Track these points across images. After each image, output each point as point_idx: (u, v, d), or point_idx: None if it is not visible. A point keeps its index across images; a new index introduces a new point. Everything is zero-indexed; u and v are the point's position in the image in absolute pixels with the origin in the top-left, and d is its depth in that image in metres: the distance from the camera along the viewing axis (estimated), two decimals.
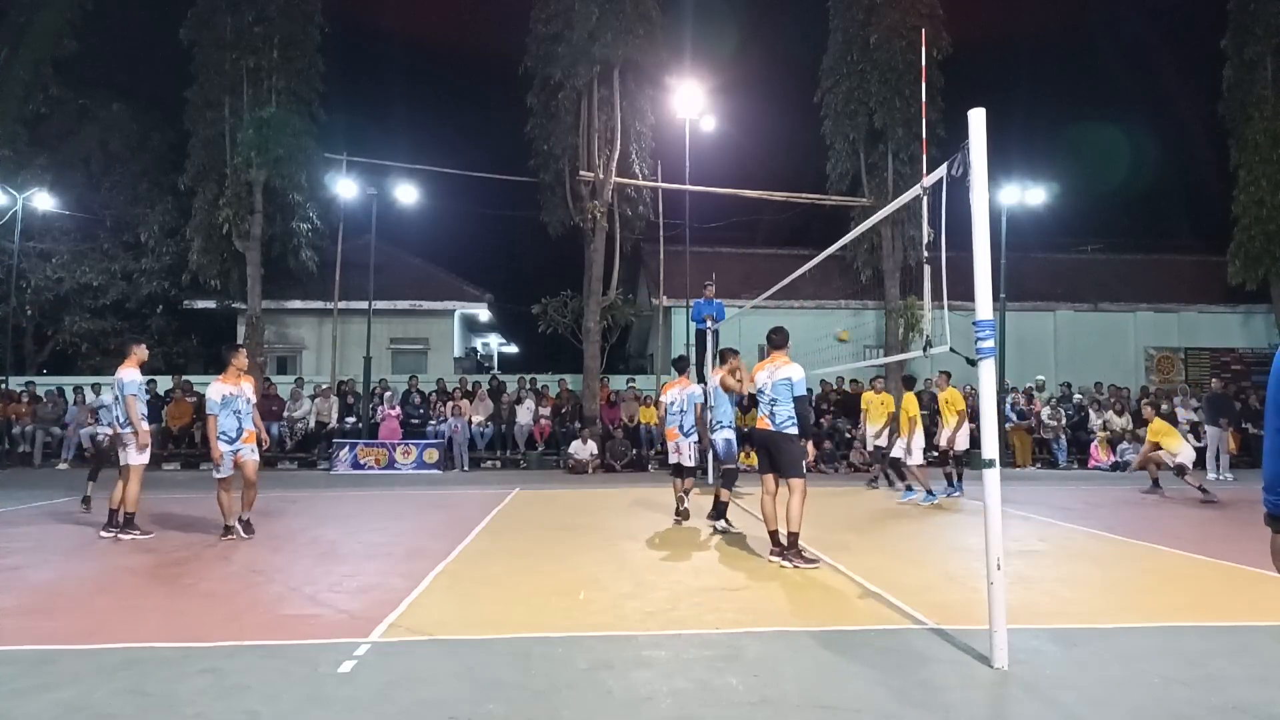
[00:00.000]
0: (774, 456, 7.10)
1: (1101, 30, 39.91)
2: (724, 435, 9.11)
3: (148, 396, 8.43)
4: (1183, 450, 11.60)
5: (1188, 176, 29.33)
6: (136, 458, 8.25)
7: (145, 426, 8.32)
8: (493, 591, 5.82)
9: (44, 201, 21.20)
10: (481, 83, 46.45)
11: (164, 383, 19.22)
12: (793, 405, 6.95)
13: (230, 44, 18.62)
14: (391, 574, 6.36)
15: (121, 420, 8.30)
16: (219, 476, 8.08)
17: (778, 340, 7.35)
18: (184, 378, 19.63)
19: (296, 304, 22.61)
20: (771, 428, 7.02)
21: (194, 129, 19.53)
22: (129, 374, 8.26)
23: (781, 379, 7.02)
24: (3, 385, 18.93)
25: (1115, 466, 17.31)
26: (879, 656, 4.33)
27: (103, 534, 8.10)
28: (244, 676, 3.94)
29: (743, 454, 12.03)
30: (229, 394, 8.14)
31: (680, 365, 10.33)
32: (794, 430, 6.99)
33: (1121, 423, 18.41)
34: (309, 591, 5.75)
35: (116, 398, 8.28)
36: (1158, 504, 11.25)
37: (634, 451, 17.33)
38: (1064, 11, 40.17)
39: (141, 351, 8.54)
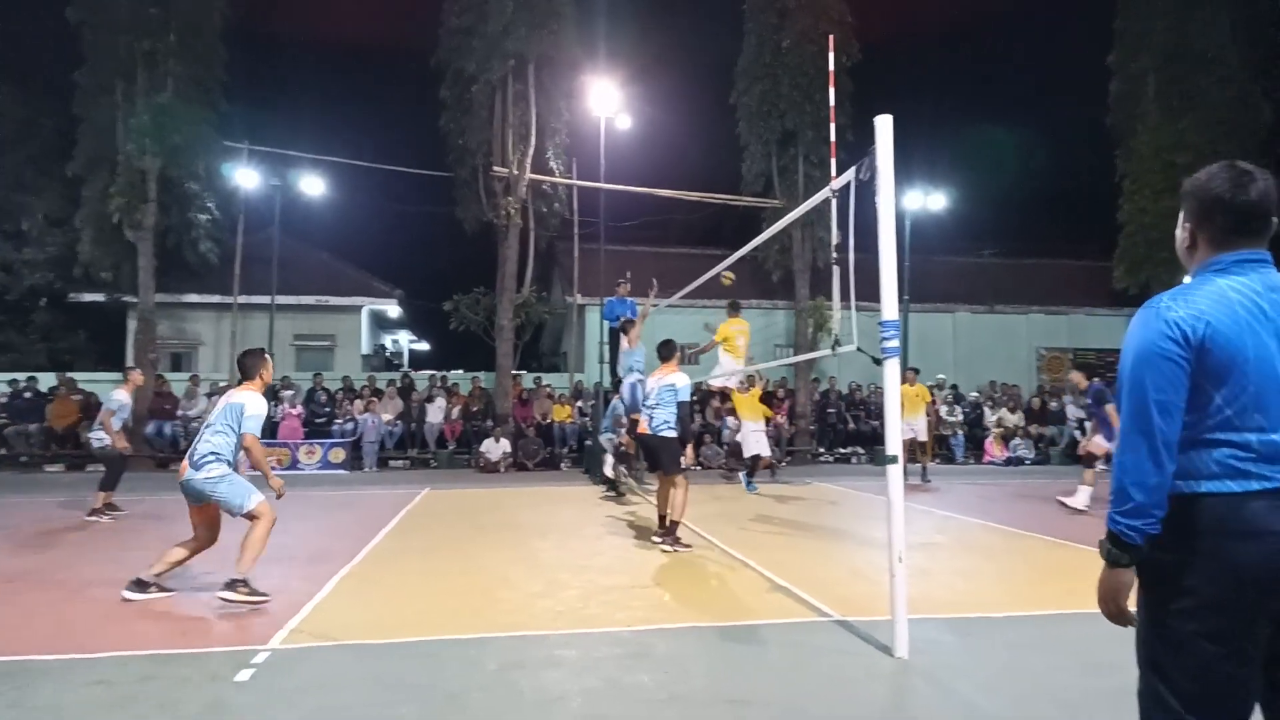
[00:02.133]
0: (654, 456, 7.88)
1: (1000, 43, 41.73)
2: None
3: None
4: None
5: (1078, 184, 30.87)
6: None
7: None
8: (401, 593, 5.71)
9: None
10: (393, 74, 45.25)
11: (47, 380, 18.13)
12: (674, 409, 7.53)
13: (124, 26, 17.63)
14: (293, 577, 6.16)
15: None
16: (256, 507, 5.65)
17: (666, 353, 7.93)
18: (69, 375, 18.56)
19: (193, 298, 21.62)
20: (649, 431, 7.69)
21: (84, 114, 18.45)
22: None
23: (666, 385, 7.59)
24: None
25: (1009, 461, 18.14)
26: (786, 650, 4.43)
27: None
28: (136, 687, 3.76)
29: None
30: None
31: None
32: (671, 433, 7.58)
33: (1014, 420, 19.29)
34: (204, 598, 5.52)
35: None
36: (1047, 499, 11.83)
37: (547, 450, 17.24)
38: (966, 23, 41.81)
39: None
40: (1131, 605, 1.98)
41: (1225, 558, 1.80)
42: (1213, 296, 1.87)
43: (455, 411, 17.96)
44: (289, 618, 4.93)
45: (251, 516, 5.53)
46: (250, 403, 5.62)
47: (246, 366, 5.96)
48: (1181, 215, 2.06)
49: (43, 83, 22.64)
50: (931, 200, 20.96)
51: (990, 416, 19.42)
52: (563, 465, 16.99)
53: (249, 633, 4.65)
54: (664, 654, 4.31)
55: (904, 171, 19.25)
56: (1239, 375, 1.83)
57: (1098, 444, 10.31)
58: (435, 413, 17.75)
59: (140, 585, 5.48)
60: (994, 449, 18.55)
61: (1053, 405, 20.19)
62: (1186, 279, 2.03)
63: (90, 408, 17.37)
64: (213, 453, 5.48)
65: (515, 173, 18.91)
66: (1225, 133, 21.08)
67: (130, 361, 18.74)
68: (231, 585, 5.28)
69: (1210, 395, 1.85)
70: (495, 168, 18.96)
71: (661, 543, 7.48)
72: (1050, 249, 27.90)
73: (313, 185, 20.39)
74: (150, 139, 17.57)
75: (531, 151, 19.08)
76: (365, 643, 4.49)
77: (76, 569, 6.49)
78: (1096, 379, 11.17)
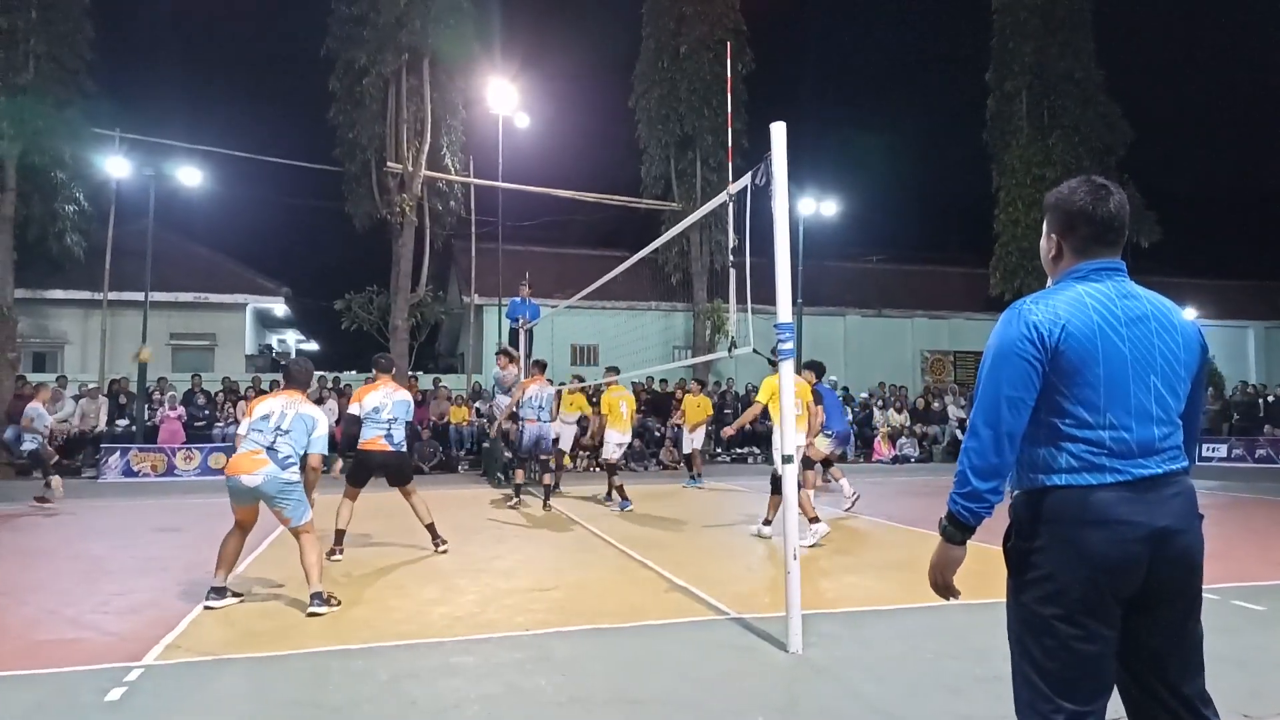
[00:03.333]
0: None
1: (890, 58, 43.43)
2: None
3: None
4: None
5: (959, 195, 32.52)
6: None
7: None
8: (285, 605, 5.46)
9: None
10: (280, 61, 43.65)
11: None
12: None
13: None
14: (169, 591, 5.81)
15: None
16: (308, 523, 5.46)
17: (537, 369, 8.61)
18: None
19: (58, 294, 20.23)
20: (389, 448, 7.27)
21: None
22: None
23: (400, 401, 7.27)
24: None
25: (896, 460, 18.85)
26: (684, 648, 4.45)
27: None
28: None
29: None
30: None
31: (540, 365, 11.39)
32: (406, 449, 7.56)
33: (900, 419, 20.06)
34: (70, 614, 5.14)
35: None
36: (931, 495, 12.34)
37: (442, 452, 16.89)
38: (857, 39, 43.32)
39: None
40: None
41: (1078, 545, 1.90)
42: (1070, 301, 1.99)
43: (351, 412, 17.36)
44: (165, 633, 4.64)
45: (300, 533, 5.33)
46: (322, 422, 5.56)
47: (303, 377, 5.85)
48: (1045, 226, 2.18)
49: None
50: (824, 207, 21.61)
51: (879, 416, 20.14)
52: (460, 468, 16.67)
53: (122, 649, 4.35)
54: (564, 657, 4.26)
55: (798, 178, 19.80)
56: (1091, 376, 1.94)
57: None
58: (326, 415, 17.12)
59: (219, 592, 5.32)
60: (882, 448, 19.24)
61: (935, 405, 21.11)
62: (1050, 284, 2.16)
63: None
64: (293, 455, 5.34)
65: (410, 169, 18.48)
66: (1089, 149, 22.56)
67: None
68: (322, 600, 5.16)
69: (1065, 394, 1.96)
70: (389, 163, 18.48)
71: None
72: (933, 256, 29.25)
73: (191, 176, 19.32)
74: (9, 123, 16.31)
75: (427, 148, 18.69)
76: (247, 656, 4.28)
77: None
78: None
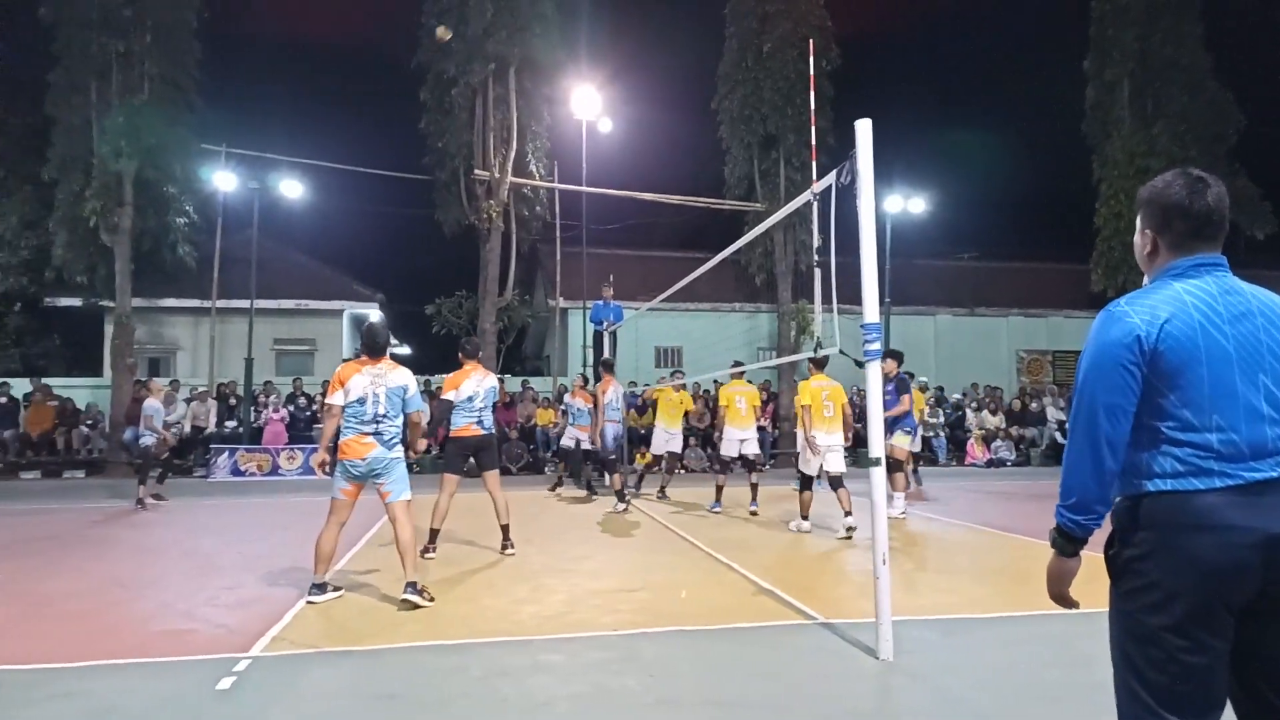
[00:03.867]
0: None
1: (980, 49, 42.13)
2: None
3: None
4: None
5: (1056, 189, 31.18)
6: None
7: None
8: (383, 600, 5.64)
9: None
10: (373, 75, 45.15)
11: (21, 386, 17.86)
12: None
13: (97, 25, 17.41)
14: (274, 585, 6.08)
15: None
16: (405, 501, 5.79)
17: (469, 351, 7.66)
18: (44, 380, 18.29)
19: (171, 302, 21.39)
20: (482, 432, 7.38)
21: (57, 115, 18.18)
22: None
23: (490, 387, 7.42)
24: None
25: (991, 463, 18.26)
26: (772, 652, 4.41)
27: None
28: (111, 698, 3.68)
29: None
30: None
31: (608, 366, 11.90)
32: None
33: (995, 421, 19.42)
34: (183, 606, 5.43)
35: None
36: (1029, 499, 11.91)
37: (530, 454, 17.17)
38: (945, 30, 42.17)
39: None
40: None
41: (1186, 552, 1.83)
42: (1169, 300, 1.93)
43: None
44: (271, 625, 4.86)
45: (396, 510, 5.63)
46: (411, 383, 5.82)
47: (382, 342, 5.90)
48: (1140, 221, 2.12)
49: (13, 82, 22.30)
50: (912, 204, 21.09)
51: (972, 418, 19.55)
52: (546, 469, 16.91)
53: (231, 641, 4.57)
54: (651, 658, 4.28)
55: (884, 175, 19.43)
56: (1194, 376, 1.87)
57: None
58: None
59: (320, 588, 5.57)
60: (976, 451, 18.67)
61: (1033, 406, 20.36)
62: (1146, 282, 2.10)
63: (66, 414, 17.16)
64: (396, 434, 5.65)
65: (496, 176, 18.85)
66: (1196, 138, 21.38)
67: (108, 367, 18.56)
68: (416, 590, 5.37)
69: (1167, 396, 1.89)
70: (476, 170, 18.89)
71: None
72: (1029, 252, 28.17)
73: (292, 188, 20.21)
74: (126, 141, 17.35)
75: (513, 154, 19.03)
76: (347, 650, 4.44)
77: (47, 579, 6.38)
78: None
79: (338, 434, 5.64)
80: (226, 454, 15.89)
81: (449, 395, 7.33)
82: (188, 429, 16.79)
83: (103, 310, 20.30)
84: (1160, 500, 1.88)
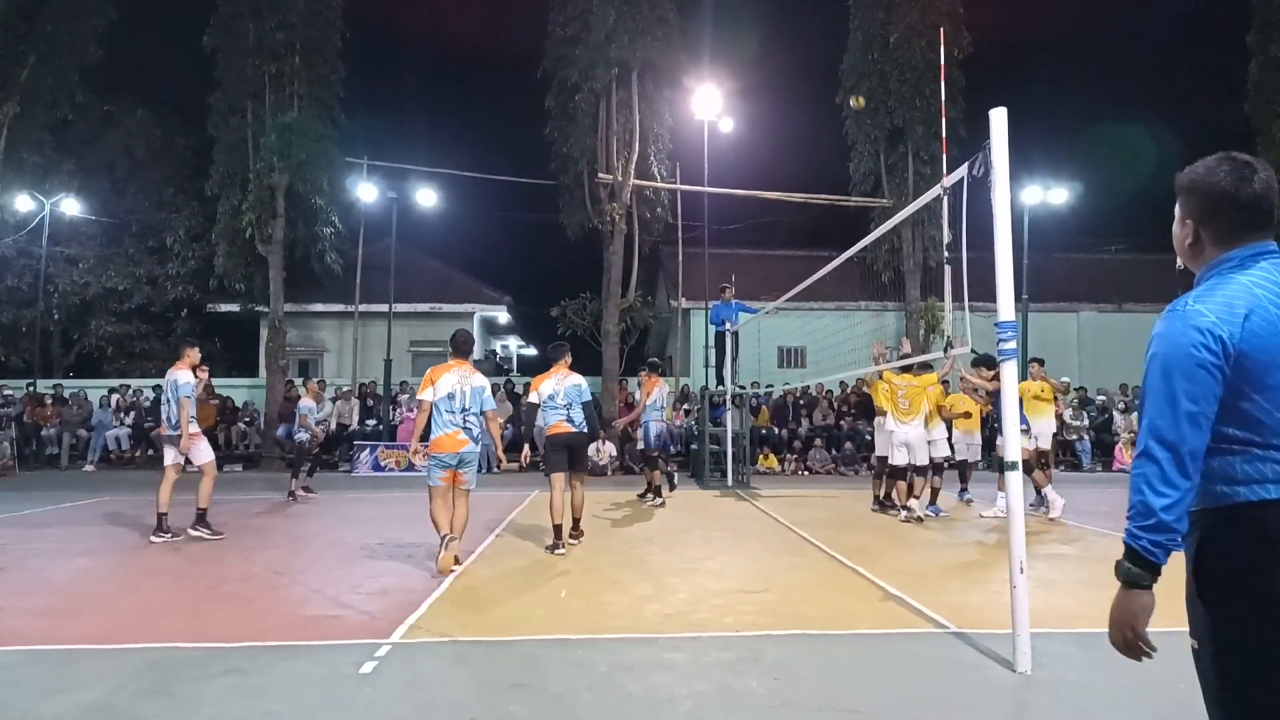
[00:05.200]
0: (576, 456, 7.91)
1: (1124, 28, 39.52)
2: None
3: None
4: None
5: None
6: (200, 455, 8.33)
7: (195, 429, 8.31)
8: (512, 593, 5.83)
9: (71, 207, 21.50)
10: (501, 86, 46.62)
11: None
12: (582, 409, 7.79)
13: (253, 50, 18.79)
14: (411, 576, 6.38)
15: (172, 419, 8.15)
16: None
17: (557, 355, 8.05)
18: (207, 380, 19.80)
19: (318, 307, 22.80)
20: (574, 430, 7.71)
21: (217, 134, 19.71)
22: (182, 375, 8.20)
23: (572, 386, 7.74)
24: (31, 388, 19.21)
25: None
26: (899, 660, 4.30)
27: (190, 531, 8.15)
28: (265, 677, 3.96)
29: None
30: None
31: (654, 367, 12.21)
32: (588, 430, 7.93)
33: None
34: (330, 593, 5.79)
35: (167, 399, 8.24)
36: None
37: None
38: (1085, 10, 39.79)
39: (194, 354, 8.50)
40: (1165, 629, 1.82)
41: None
42: (1242, 295, 1.76)
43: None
44: (409, 614, 5.11)
45: (466, 495, 6.58)
46: (487, 386, 6.73)
47: (468, 346, 6.95)
48: (1180, 211, 1.96)
49: (177, 106, 24.33)
50: (1052, 195, 20.02)
51: (1120, 421, 18.38)
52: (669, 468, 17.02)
53: (373, 627, 4.84)
54: (773, 660, 4.25)
55: (1021, 166, 18.53)
56: None
57: None
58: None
59: (447, 541, 6.38)
60: (1124, 456, 17.54)
61: None
62: (1195, 276, 1.94)
63: (226, 411, 18.54)
64: (479, 428, 6.60)
65: (619, 179, 19.10)
66: None
67: (262, 368, 19.93)
68: (454, 538, 6.39)
69: (1255, 399, 1.73)
70: (600, 174, 19.21)
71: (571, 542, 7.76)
72: None
73: (426, 196, 21.17)
74: (278, 156, 18.62)
75: (635, 157, 19.24)
76: (478, 640, 4.61)
77: (211, 565, 6.92)
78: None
79: (428, 428, 6.39)
80: (368, 450, 16.77)
81: (531, 398, 7.86)
82: (333, 426, 17.84)
83: (258, 315, 21.86)
84: (1265, 512, 1.70)
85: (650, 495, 11.29)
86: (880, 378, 9.91)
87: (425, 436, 6.48)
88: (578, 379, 7.82)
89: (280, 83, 19.08)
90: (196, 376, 8.44)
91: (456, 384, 6.47)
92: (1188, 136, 29.63)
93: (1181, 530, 1.76)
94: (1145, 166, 28.96)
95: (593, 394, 8.47)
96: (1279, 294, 1.77)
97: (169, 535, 7.99)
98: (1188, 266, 1.98)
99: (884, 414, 9.80)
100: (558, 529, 7.51)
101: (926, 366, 9.83)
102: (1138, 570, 1.78)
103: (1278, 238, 1.89)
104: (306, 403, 11.84)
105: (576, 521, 8.04)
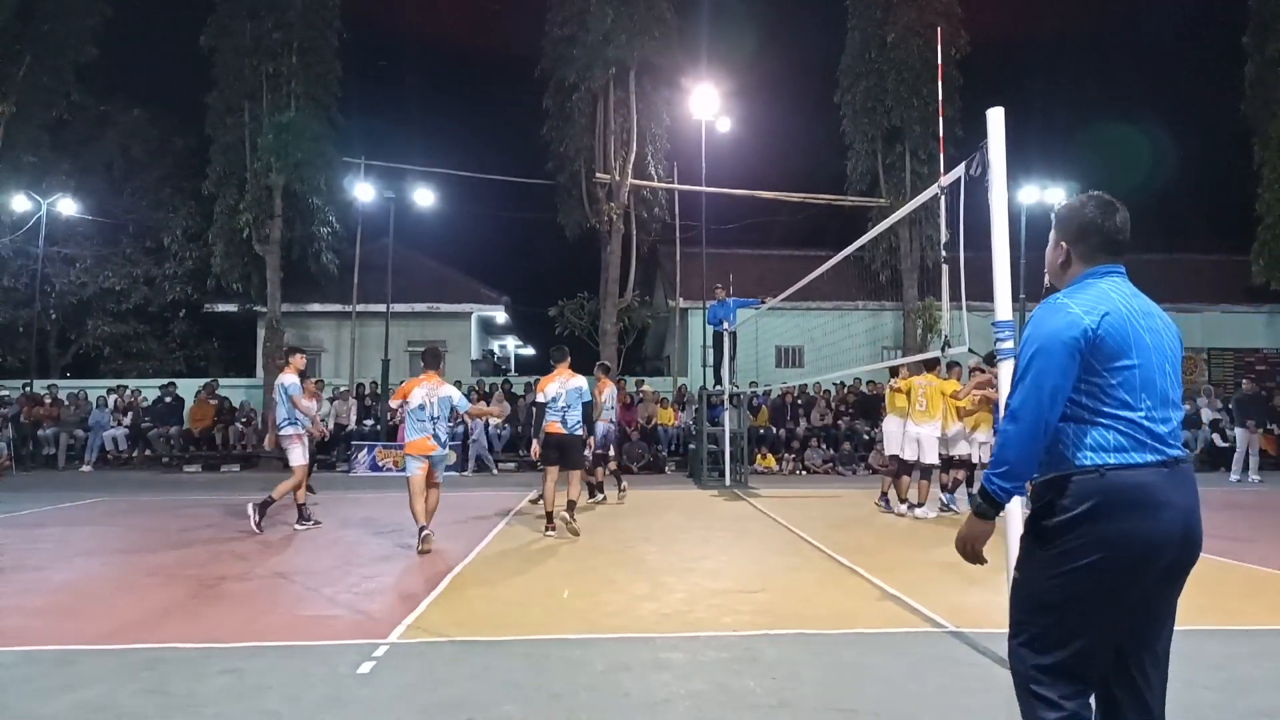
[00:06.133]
0: (568, 454, 8.40)
1: (1120, 28, 39.59)
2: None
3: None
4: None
5: (1209, 175, 28.96)
6: (297, 458, 8.88)
7: (299, 430, 8.91)
8: (509, 593, 5.83)
9: (67, 207, 21.45)
10: (498, 86, 46.58)
11: (186, 386, 19.43)
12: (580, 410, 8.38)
13: (250, 50, 18.78)
14: (409, 576, 6.39)
15: (279, 420, 8.82)
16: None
17: (560, 357, 8.59)
18: (209, 380, 19.81)
19: (316, 307, 22.76)
20: (564, 431, 8.27)
21: (215, 134, 19.69)
22: (289, 378, 8.88)
23: (573, 388, 8.31)
24: (27, 388, 19.17)
25: None
26: (898, 659, 4.31)
27: (296, 527, 8.78)
28: (264, 677, 3.96)
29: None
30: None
31: (605, 369, 12.20)
32: (582, 432, 8.53)
33: None
34: (328, 593, 5.79)
35: (276, 401, 8.90)
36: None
37: (651, 453, 17.32)
38: (1082, 10, 39.83)
39: (300, 360, 9.24)
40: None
41: (1129, 522, 2.04)
42: (1103, 296, 2.19)
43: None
44: (406, 614, 5.11)
45: (437, 485, 7.77)
46: (456, 394, 7.84)
47: (437, 360, 7.94)
48: (1054, 235, 2.40)
49: (175, 105, 24.31)
50: (1049, 194, 20.03)
51: None
52: (667, 468, 17.04)
53: (370, 627, 4.84)
54: (772, 660, 4.26)
55: (1018, 165, 18.53)
56: (1129, 361, 2.11)
57: None
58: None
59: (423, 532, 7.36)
60: None
61: (1186, 408, 18.95)
62: (1059, 288, 2.35)
63: (224, 411, 18.52)
64: (445, 435, 7.68)
65: (617, 179, 19.11)
66: None
67: (260, 368, 19.91)
68: (426, 532, 7.42)
69: (1108, 379, 2.12)
70: (597, 174, 19.21)
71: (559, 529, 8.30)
72: (1180, 243, 26.25)
73: (423, 196, 21.15)
74: (276, 156, 18.61)
75: (633, 157, 19.26)
76: (475, 639, 4.61)
77: (209, 565, 6.91)
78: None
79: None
80: (365, 450, 16.75)
81: (538, 397, 8.38)
82: (331, 426, 17.81)
83: (256, 315, 21.83)
84: (1109, 475, 2.07)
85: (593, 494, 11.18)
86: (896, 388, 10.33)
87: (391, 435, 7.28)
88: (579, 381, 8.37)
89: (278, 82, 19.07)
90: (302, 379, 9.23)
91: (426, 395, 7.57)
92: (1185, 136, 29.71)
93: (1024, 480, 2.17)
94: (1142, 166, 29.04)
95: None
96: (1128, 301, 2.19)
97: (310, 523, 8.86)
98: (1054, 284, 2.39)
99: (902, 416, 10.07)
100: (549, 515, 8.25)
101: (939, 366, 10.02)
102: (986, 505, 2.22)
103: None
104: (289, 379, 10.17)
105: (571, 505, 8.35)
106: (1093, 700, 2.21)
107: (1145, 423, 2.09)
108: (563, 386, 8.23)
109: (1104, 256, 2.29)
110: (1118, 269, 2.29)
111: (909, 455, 9.92)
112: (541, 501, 8.63)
